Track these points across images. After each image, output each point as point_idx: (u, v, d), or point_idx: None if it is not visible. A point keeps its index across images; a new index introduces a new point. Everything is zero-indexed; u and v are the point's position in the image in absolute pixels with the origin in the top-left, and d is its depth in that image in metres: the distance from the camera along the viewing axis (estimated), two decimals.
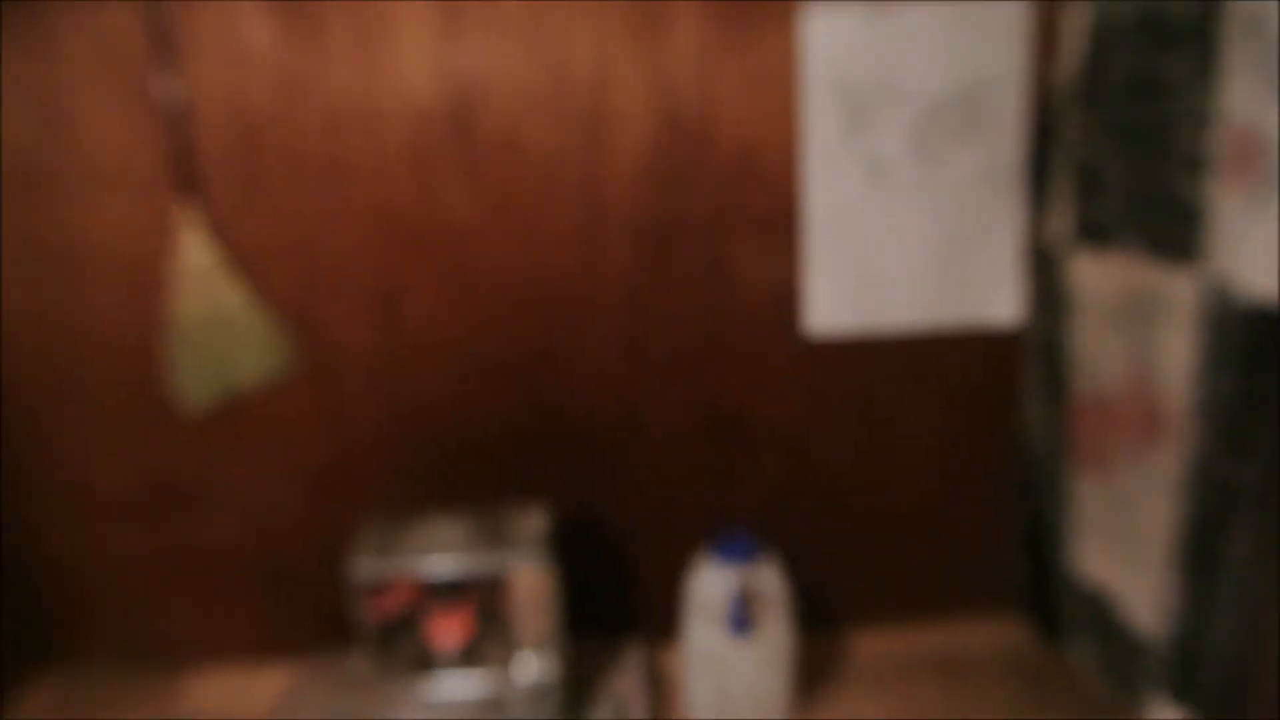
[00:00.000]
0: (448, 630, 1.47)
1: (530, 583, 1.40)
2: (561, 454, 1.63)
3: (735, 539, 1.54)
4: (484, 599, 1.51)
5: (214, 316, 1.54)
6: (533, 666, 1.45)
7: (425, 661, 1.48)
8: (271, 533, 1.67)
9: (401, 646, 1.50)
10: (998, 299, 1.56)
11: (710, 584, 1.48)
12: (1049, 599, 1.62)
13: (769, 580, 1.50)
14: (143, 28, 1.42)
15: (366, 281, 1.54)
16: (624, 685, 1.59)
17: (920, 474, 1.64)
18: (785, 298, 1.55)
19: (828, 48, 1.45)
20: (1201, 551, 1.24)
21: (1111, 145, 1.35)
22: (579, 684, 1.59)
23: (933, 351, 1.58)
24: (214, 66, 1.44)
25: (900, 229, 1.52)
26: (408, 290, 1.54)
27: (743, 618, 1.41)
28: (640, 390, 1.59)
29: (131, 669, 1.73)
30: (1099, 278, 1.40)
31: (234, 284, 1.53)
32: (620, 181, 1.49)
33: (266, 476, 1.63)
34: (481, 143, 1.47)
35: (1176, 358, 1.24)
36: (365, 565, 1.39)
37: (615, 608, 1.72)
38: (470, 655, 1.48)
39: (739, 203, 1.50)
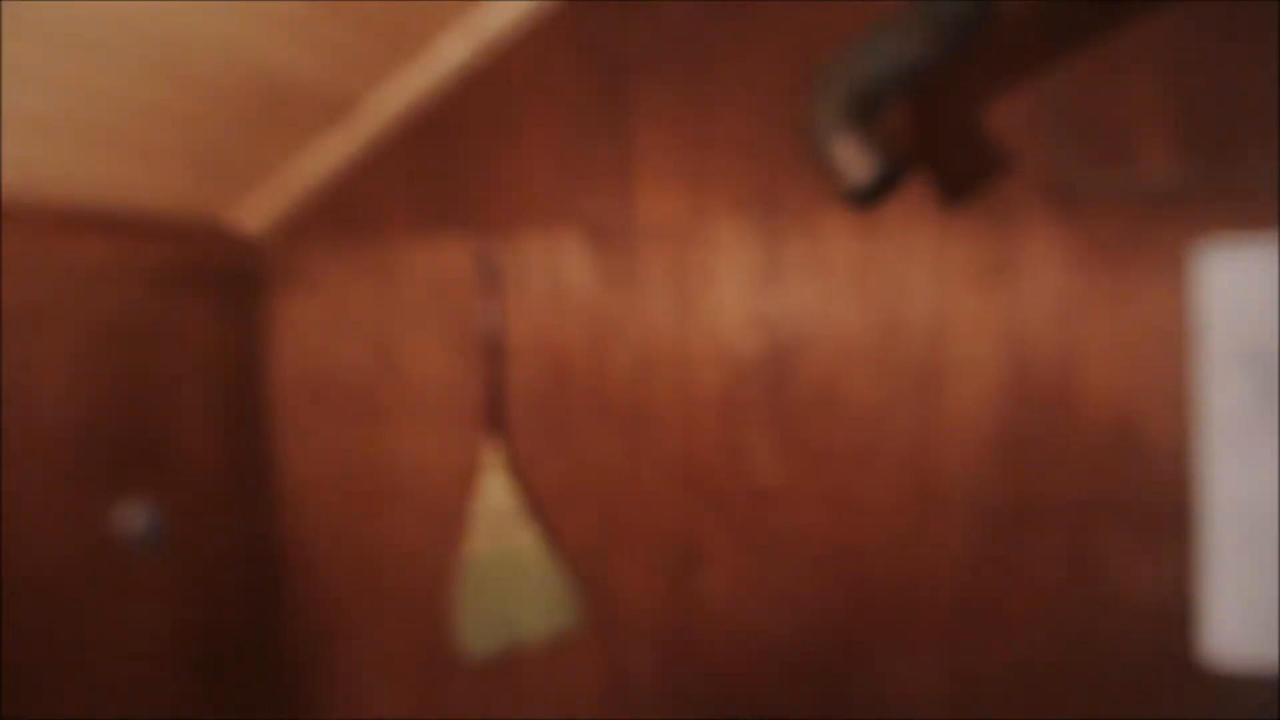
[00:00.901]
0: None
1: None
2: None
3: None
4: None
5: (506, 560, 1.47)
6: None
7: None
8: None
9: None
10: None
11: None
12: None
13: None
14: (473, 265, 1.45)
15: (663, 539, 1.40)
16: None
17: None
18: (1175, 612, 1.19)
19: (1232, 301, 1.15)
20: None
21: None
22: None
23: None
24: (533, 302, 1.44)
25: None
26: (705, 555, 1.38)
27: None
28: (969, 711, 1.27)
29: None
30: None
31: (530, 529, 1.46)
32: (958, 448, 1.25)
33: None
34: (797, 396, 1.32)
35: None
36: None
37: None
38: None
39: (1113, 488, 1.20)
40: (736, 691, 1.39)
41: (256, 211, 1.54)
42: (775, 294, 1.32)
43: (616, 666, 1.44)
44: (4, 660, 1.19)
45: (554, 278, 1.42)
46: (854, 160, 1.06)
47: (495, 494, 1.47)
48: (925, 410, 1.26)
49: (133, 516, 1.36)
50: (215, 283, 1.51)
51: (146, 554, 1.38)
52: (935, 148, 1.24)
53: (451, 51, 1.42)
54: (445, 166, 1.47)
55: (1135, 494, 1.20)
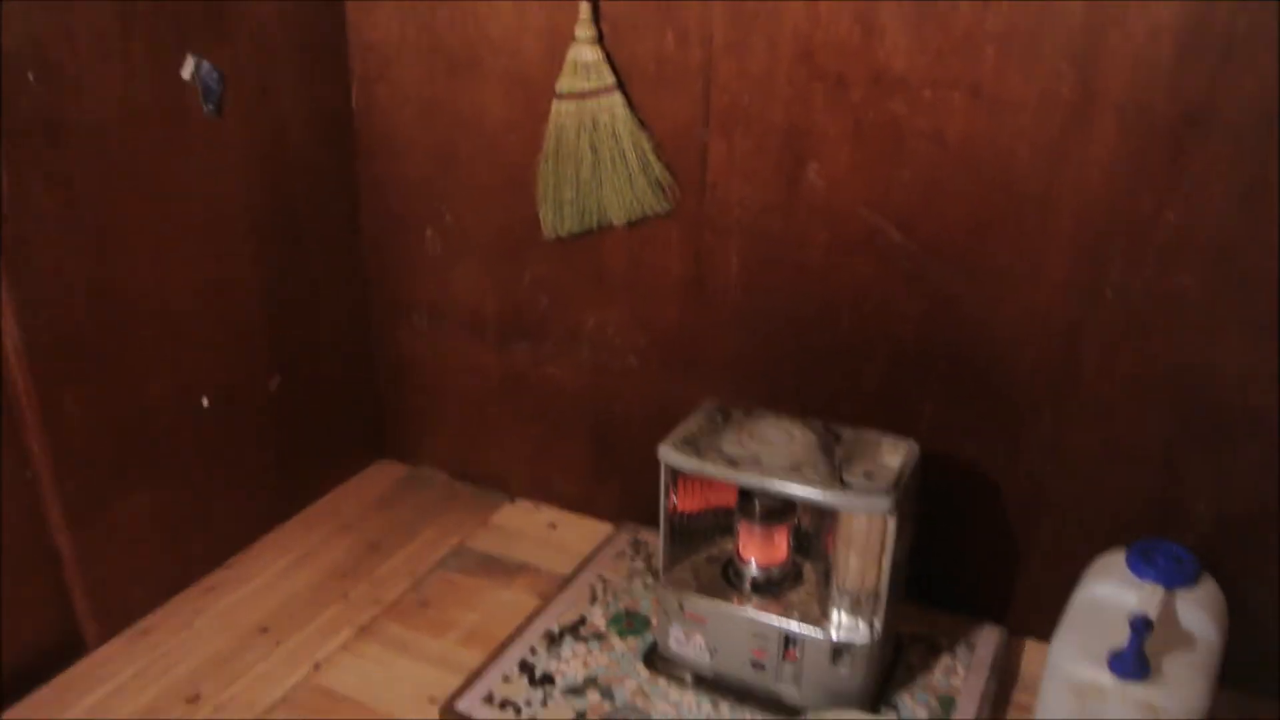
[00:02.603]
0: (754, 546, 1.22)
1: (867, 530, 1.10)
2: (961, 385, 1.29)
3: (1166, 548, 1.13)
4: (807, 528, 1.26)
5: (593, 139, 1.37)
6: (848, 625, 1.13)
7: (729, 575, 1.25)
8: (609, 384, 1.53)
9: (703, 549, 1.28)
10: None
11: (1108, 596, 1.10)
12: None
13: (1200, 617, 1.08)
14: None
15: (768, 126, 1.28)
16: (961, 678, 1.25)
17: None
18: None
19: None
20: None
21: None
22: (905, 664, 1.29)
23: None
24: None
25: None
26: (814, 145, 1.26)
27: (1135, 656, 1.01)
28: (1092, 329, 1.19)
29: (456, 483, 1.74)
30: None
31: (622, 106, 1.35)
32: (1133, 41, 1.06)
33: (616, 322, 1.48)
34: None
35: None
36: (677, 457, 1.16)
37: (983, 583, 1.37)
38: (777, 585, 1.21)
39: None
40: (832, 292, 1.33)
41: None
42: None
43: (706, 257, 1.38)
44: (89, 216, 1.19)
45: None
46: None
47: (586, 65, 1.34)
48: None
49: (196, 70, 1.28)
50: None
51: (210, 113, 1.32)
52: None
53: None
54: None
55: None
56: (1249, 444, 1.16)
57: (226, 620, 1.39)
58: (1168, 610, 1.09)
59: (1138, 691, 1.02)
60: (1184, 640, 1.07)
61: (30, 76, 1.11)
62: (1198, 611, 1.09)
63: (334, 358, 1.64)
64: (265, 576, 1.49)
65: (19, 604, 1.22)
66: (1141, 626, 1.01)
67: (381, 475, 1.76)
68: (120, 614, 1.35)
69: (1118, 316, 1.17)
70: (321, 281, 1.58)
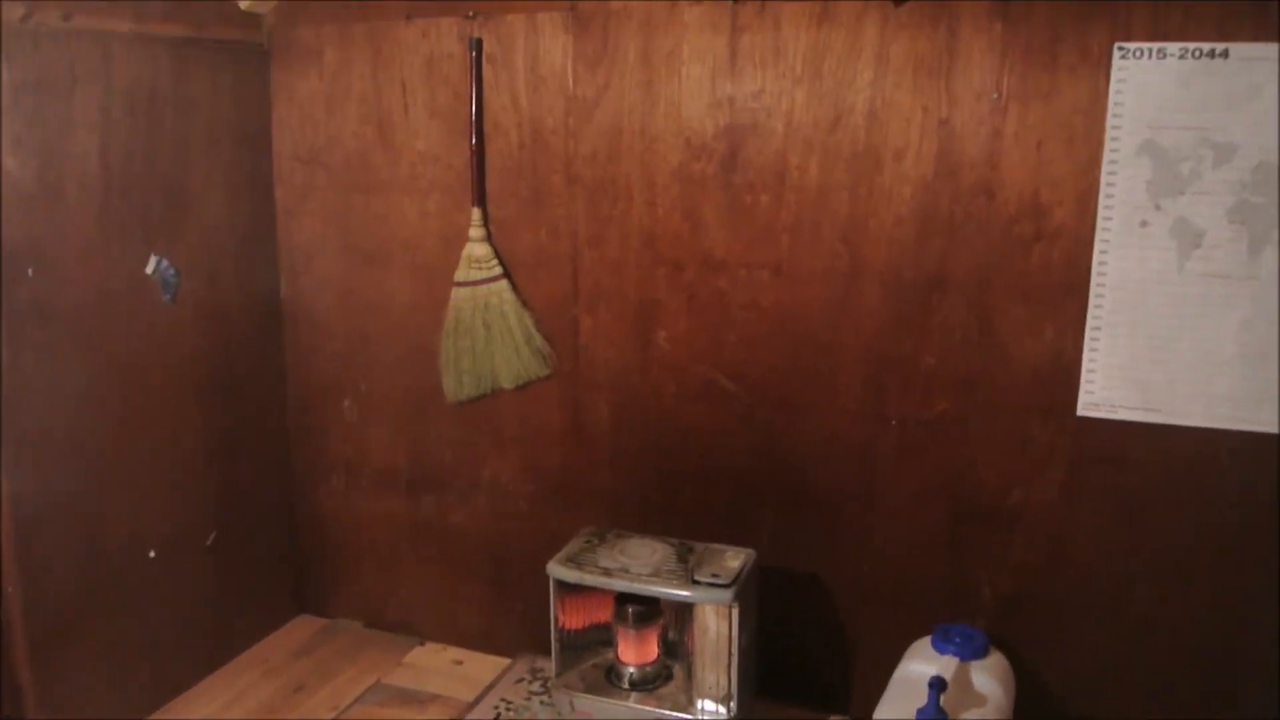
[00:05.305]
0: (629, 648, 1.43)
1: (716, 622, 1.35)
2: (786, 502, 1.56)
3: (960, 629, 1.39)
4: (671, 629, 1.49)
5: (485, 317, 1.65)
6: (709, 709, 1.37)
7: (611, 677, 1.47)
8: (504, 525, 1.75)
9: (588, 659, 1.50)
10: None
11: (917, 671, 1.33)
12: None
13: (989, 682, 1.34)
14: (461, 45, 1.59)
15: (624, 300, 1.59)
16: None
17: (1193, 588, 1.39)
18: (1059, 372, 1.38)
19: (1141, 98, 1.29)
20: None
21: None
22: None
23: (1223, 455, 1.34)
24: (514, 82, 1.58)
25: (1210, 313, 1.32)
26: (661, 314, 1.57)
27: (934, 710, 1.24)
28: (882, 448, 1.49)
29: (370, 630, 1.90)
30: None
31: (507, 290, 1.64)
32: (885, 226, 1.42)
33: (510, 470, 1.72)
34: (747, 176, 1.48)
35: None
36: (561, 570, 1.40)
37: (827, 678, 1.60)
38: (652, 682, 1.45)
39: (1019, 266, 1.37)
40: (682, 432, 1.60)
41: None
42: (734, 81, 1.46)
43: (580, 410, 1.65)
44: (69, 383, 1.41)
45: (533, 59, 1.55)
46: None
47: (478, 258, 1.64)
48: (859, 192, 1.42)
49: (157, 267, 1.54)
50: (224, 55, 1.63)
51: (167, 302, 1.57)
52: None
53: None
54: None
55: (1037, 272, 1.36)
56: (1014, 536, 1.45)
57: None
58: (963, 677, 1.34)
59: None
60: (977, 701, 1.32)
61: (29, 272, 1.35)
62: (988, 678, 1.35)
63: (261, 516, 1.83)
64: (200, 716, 1.62)
65: None
66: (937, 684, 1.26)
67: (302, 627, 1.92)
68: None
69: (898, 437, 1.47)
70: (253, 445, 1.79)
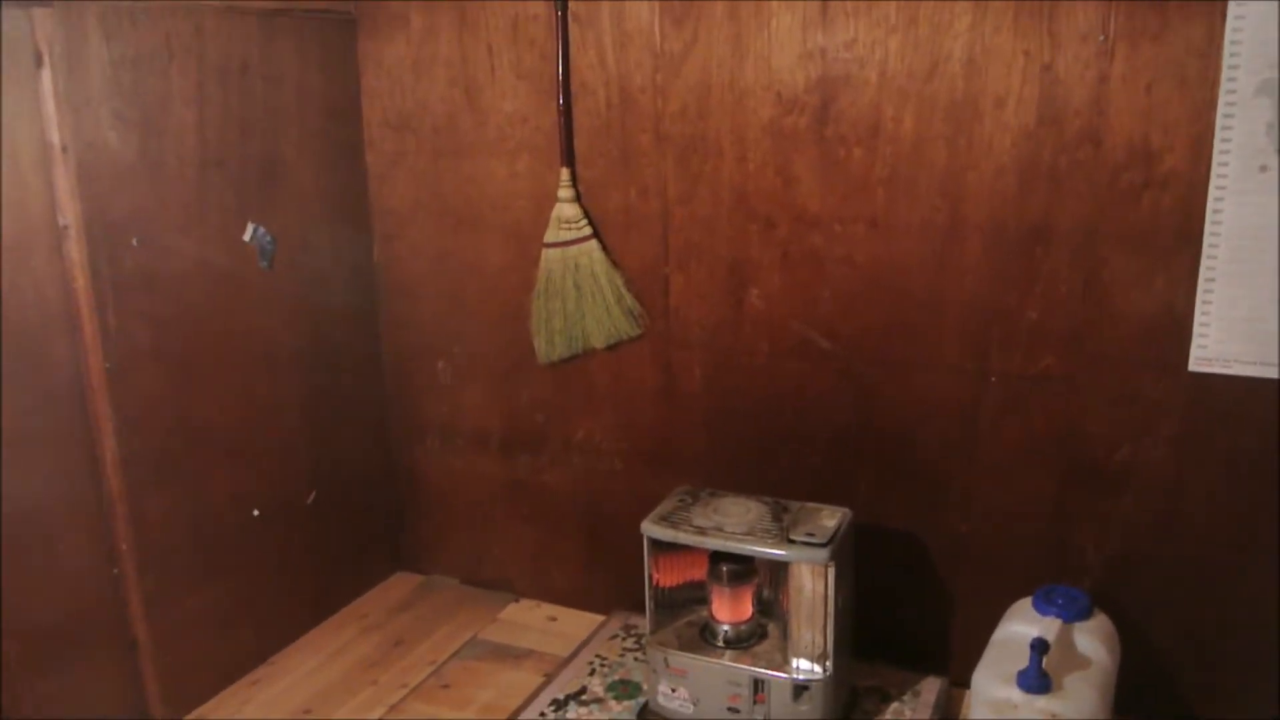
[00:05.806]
0: (724, 606, 1.44)
1: (811, 581, 1.34)
2: (883, 461, 1.54)
3: (1064, 591, 1.36)
4: (766, 587, 1.49)
5: (575, 278, 1.65)
6: (805, 667, 1.37)
7: (705, 634, 1.47)
8: (598, 485, 1.76)
9: (682, 616, 1.50)
10: None
11: (1018, 633, 1.31)
12: None
13: (1093, 644, 1.30)
14: (546, 6, 1.58)
15: (716, 259, 1.57)
16: (910, 719, 1.45)
17: None
18: (1170, 325, 1.33)
19: (1262, 35, 1.21)
20: None
21: None
22: (861, 709, 1.49)
23: None
24: (601, 41, 1.56)
25: None
26: (753, 273, 1.55)
27: (1037, 672, 1.22)
28: (984, 406, 1.46)
29: (466, 587, 1.94)
30: None
31: (597, 250, 1.64)
32: (985, 177, 1.37)
33: (602, 430, 1.73)
34: (841, 129, 1.44)
35: None
36: (656, 529, 1.40)
37: (924, 640, 1.58)
38: (746, 640, 1.44)
39: (1126, 215, 1.32)
40: (777, 391, 1.58)
41: None
42: (825, 32, 1.42)
43: (672, 369, 1.64)
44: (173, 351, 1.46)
45: (619, 16, 1.53)
46: None
47: (568, 219, 1.63)
48: (958, 143, 1.38)
49: (254, 235, 1.57)
50: (311, 25, 1.65)
51: (265, 269, 1.61)
52: None
53: None
54: None
55: (1147, 221, 1.31)
56: (1122, 497, 1.41)
57: (272, 708, 1.58)
58: (1065, 639, 1.31)
59: (1041, 703, 1.22)
60: (1080, 663, 1.28)
61: (134, 242, 1.40)
62: (1091, 640, 1.32)
63: (360, 477, 1.87)
64: (303, 670, 1.68)
65: (98, 687, 1.42)
66: (1039, 646, 1.23)
67: (400, 584, 1.97)
68: (183, 701, 1.54)
69: (1001, 394, 1.43)
70: (350, 407, 1.83)
